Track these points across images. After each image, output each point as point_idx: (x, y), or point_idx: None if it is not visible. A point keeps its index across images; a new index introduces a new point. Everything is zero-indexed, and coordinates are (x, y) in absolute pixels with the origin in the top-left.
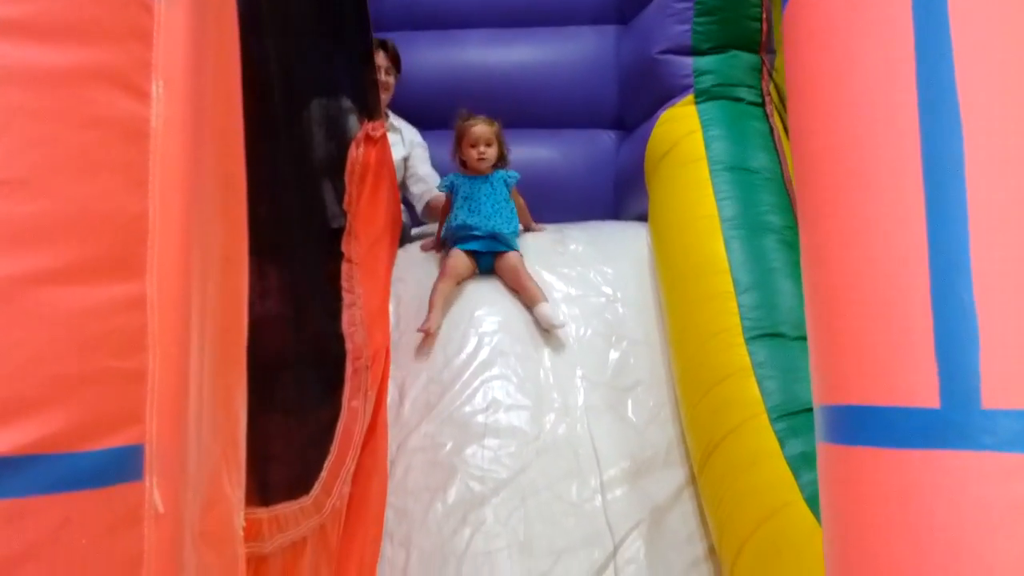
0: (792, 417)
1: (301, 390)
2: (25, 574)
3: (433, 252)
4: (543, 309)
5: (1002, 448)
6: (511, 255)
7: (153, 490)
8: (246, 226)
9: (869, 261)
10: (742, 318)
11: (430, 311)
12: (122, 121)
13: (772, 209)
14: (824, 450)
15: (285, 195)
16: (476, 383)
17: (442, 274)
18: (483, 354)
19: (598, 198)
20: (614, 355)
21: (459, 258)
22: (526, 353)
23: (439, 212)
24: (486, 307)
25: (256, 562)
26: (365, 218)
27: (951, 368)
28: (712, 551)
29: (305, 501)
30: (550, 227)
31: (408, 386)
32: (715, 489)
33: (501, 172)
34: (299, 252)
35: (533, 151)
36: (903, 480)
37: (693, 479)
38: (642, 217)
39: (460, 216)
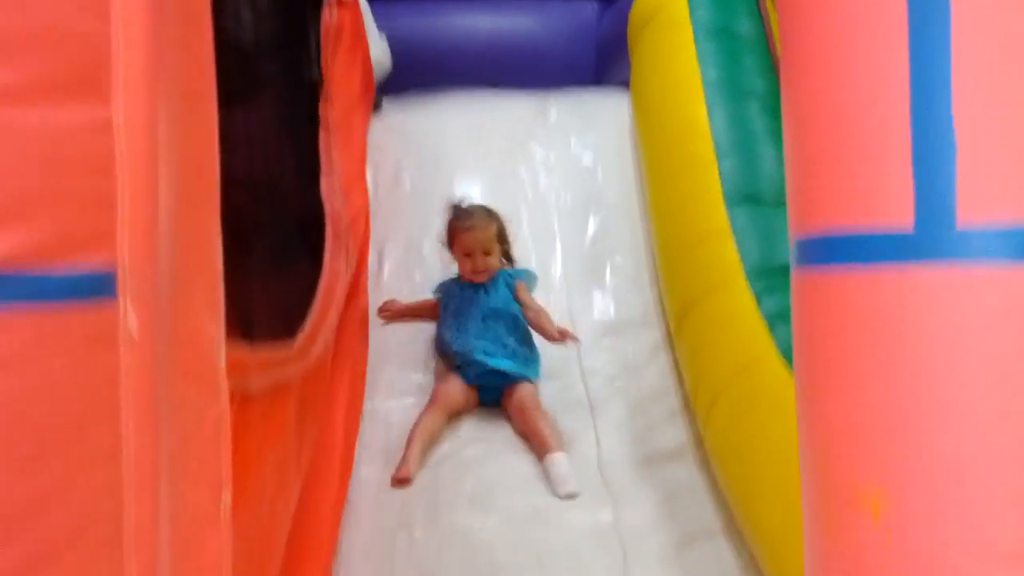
0: (768, 276)
1: (283, 242)
2: (3, 385)
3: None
4: (556, 466)
5: (976, 259)
6: (521, 388)
7: (127, 312)
8: (212, 61)
9: (847, 76)
10: (723, 182)
11: (407, 450)
12: None
13: (755, 74)
14: (797, 276)
15: (256, 50)
16: None
17: (430, 404)
18: None
19: (580, 66)
20: (593, 222)
21: (454, 387)
22: (505, 221)
23: None
24: (465, 176)
25: (240, 400)
26: (341, 83)
27: (927, 184)
28: (687, 404)
29: (289, 346)
30: (533, 94)
31: (387, 253)
32: (691, 345)
33: (504, 272)
34: (276, 109)
35: (513, 20)
36: (874, 299)
37: (670, 338)
38: (624, 84)
39: (447, 336)
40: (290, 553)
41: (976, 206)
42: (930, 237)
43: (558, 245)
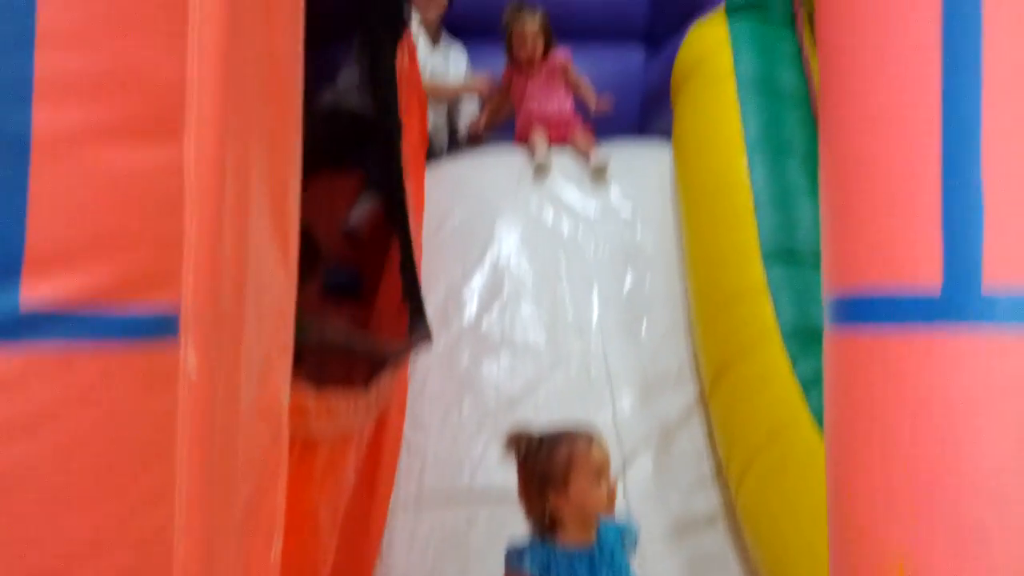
0: (804, 338)
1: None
2: (65, 422)
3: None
4: None
5: (1001, 327)
6: None
7: (188, 352)
8: (298, 114)
9: (883, 143)
10: (760, 237)
11: None
12: None
13: (797, 130)
14: (830, 334)
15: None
16: (493, 298)
17: None
18: (501, 270)
19: (624, 114)
20: (631, 274)
21: None
22: (544, 270)
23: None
24: (506, 223)
25: (303, 446)
26: (408, 123)
27: (955, 246)
28: (720, 470)
29: (360, 397)
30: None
31: (426, 298)
32: (725, 408)
33: (612, 529)
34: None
35: None
36: (904, 359)
37: (703, 398)
38: (667, 134)
39: None
40: None
41: (1002, 271)
42: (957, 300)
43: (595, 294)
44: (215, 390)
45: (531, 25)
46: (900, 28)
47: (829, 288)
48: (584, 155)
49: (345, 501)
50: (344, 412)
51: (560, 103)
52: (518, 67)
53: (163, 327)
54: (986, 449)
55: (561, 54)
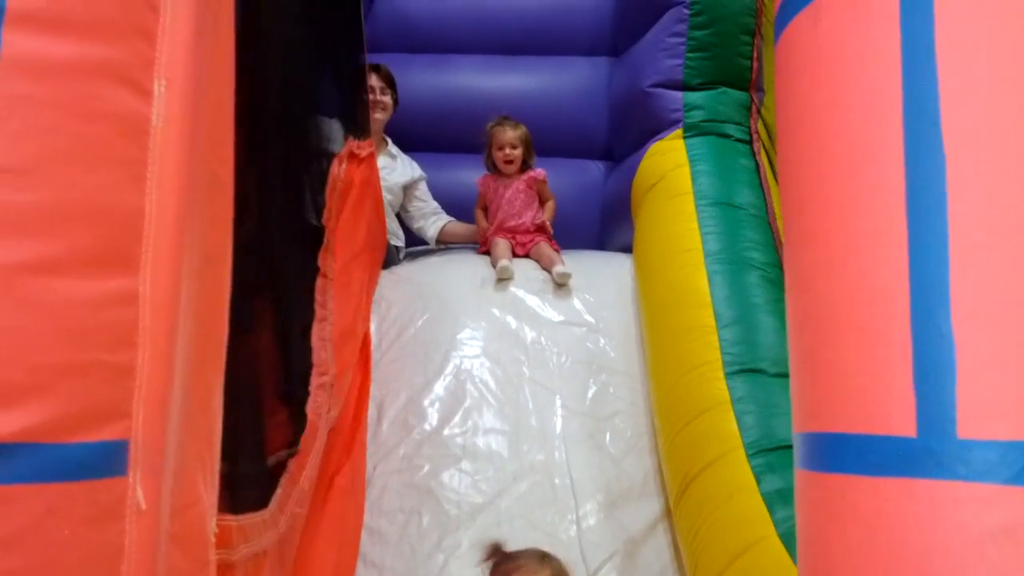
0: (769, 453)
1: (269, 399)
2: (7, 561)
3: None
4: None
5: (976, 478)
6: None
7: (136, 486)
8: (231, 228)
9: (851, 290)
10: (723, 352)
11: None
12: (124, 117)
13: (756, 246)
14: (801, 477)
15: (266, 203)
16: (455, 406)
17: None
18: (463, 377)
19: (584, 227)
20: (594, 384)
21: None
22: (506, 378)
23: (456, 236)
24: (468, 330)
25: (223, 570)
26: (344, 235)
27: (928, 397)
28: None
29: (265, 514)
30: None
31: (387, 406)
32: (690, 522)
33: None
34: (276, 259)
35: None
36: (878, 507)
37: (668, 512)
38: (627, 248)
39: None
40: None
41: (975, 422)
42: (931, 450)
43: (558, 403)
44: (160, 521)
45: (512, 134)
46: (862, 173)
47: (799, 427)
48: (547, 267)
49: None
50: (255, 531)
51: (532, 216)
52: (495, 176)
53: (111, 459)
54: None
55: (539, 171)
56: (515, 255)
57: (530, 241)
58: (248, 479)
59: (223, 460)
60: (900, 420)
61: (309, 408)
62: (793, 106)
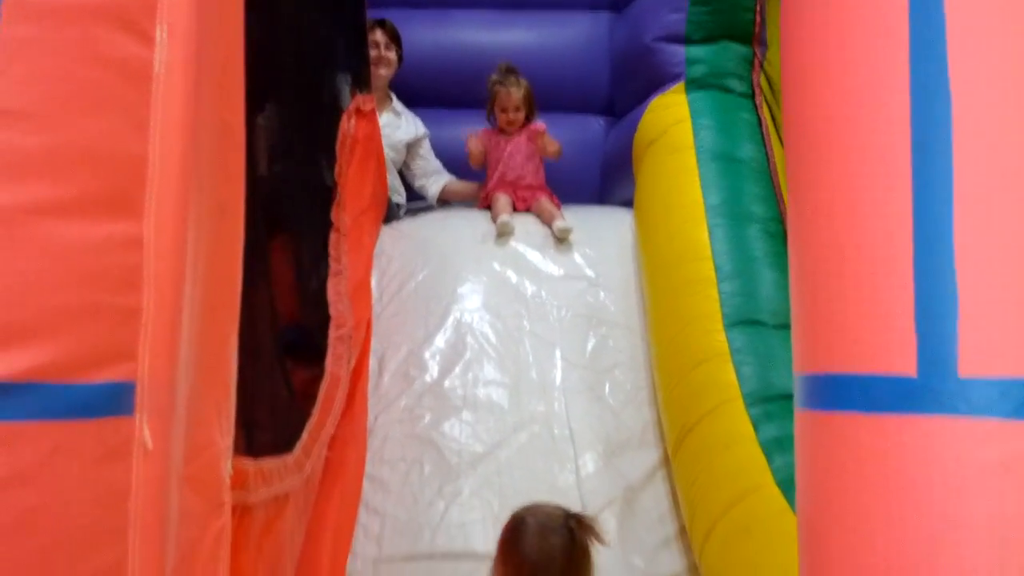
0: (767, 403)
1: (287, 350)
2: (16, 497)
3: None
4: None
5: (976, 413)
6: None
7: (143, 426)
8: (243, 177)
9: (854, 231)
10: (722, 305)
11: None
12: (126, 62)
13: (756, 199)
14: (802, 417)
15: (280, 156)
16: (455, 358)
17: None
18: (463, 330)
19: (585, 183)
20: (593, 337)
21: None
22: (507, 331)
23: (458, 195)
24: (469, 284)
25: (241, 511)
26: (353, 190)
27: (929, 337)
28: (683, 531)
29: (288, 458)
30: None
31: (388, 358)
32: (688, 470)
33: None
34: (291, 214)
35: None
36: (879, 444)
37: (667, 460)
38: (627, 203)
39: None
40: None
41: (976, 360)
42: (931, 388)
43: (558, 355)
44: (169, 462)
45: (516, 97)
46: (869, 117)
47: (800, 369)
48: (548, 221)
49: (290, 562)
50: (276, 475)
51: (534, 169)
52: (498, 130)
53: (117, 400)
54: (962, 537)
55: (539, 124)
56: (515, 210)
57: (531, 196)
58: (268, 425)
59: (242, 406)
60: (901, 359)
61: (329, 360)
62: (798, 50)
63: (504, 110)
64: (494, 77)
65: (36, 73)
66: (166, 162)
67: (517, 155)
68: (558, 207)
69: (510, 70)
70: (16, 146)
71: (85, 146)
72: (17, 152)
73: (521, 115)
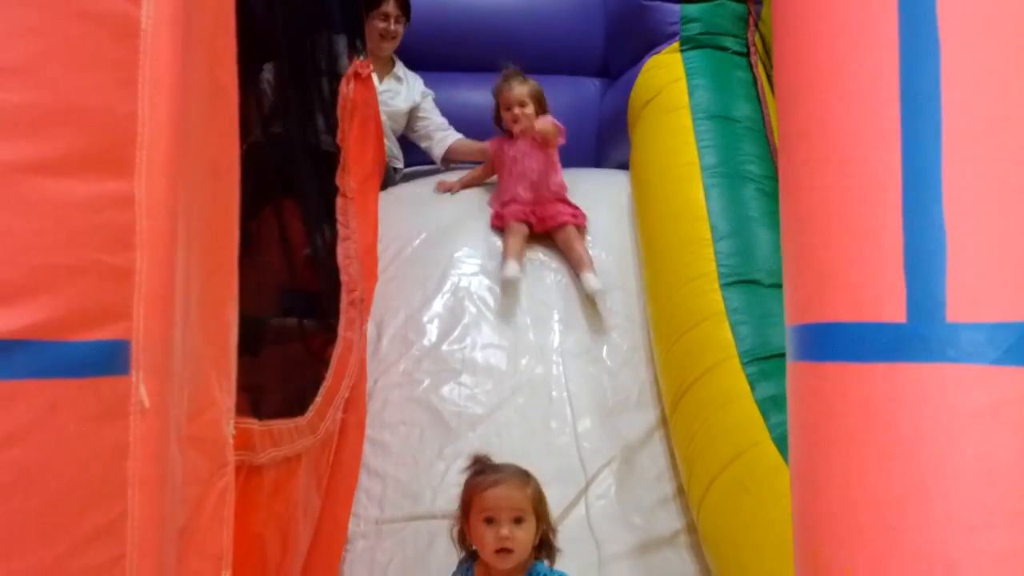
0: (763, 361)
1: (299, 314)
2: (13, 455)
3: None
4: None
5: (964, 359)
6: None
7: (139, 384)
8: (237, 137)
9: (844, 180)
10: (718, 264)
11: None
12: (113, 17)
13: (752, 158)
14: (793, 369)
15: (281, 120)
16: (453, 322)
17: None
18: (461, 295)
19: (580, 145)
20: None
21: None
22: (504, 295)
23: (462, 154)
24: (466, 248)
25: (247, 471)
26: (355, 155)
27: (918, 284)
28: (681, 490)
29: (300, 421)
30: None
31: (386, 323)
32: (686, 428)
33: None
34: (296, 179)
35: None
36: (869, 392)
37: (664, 420)
38: (623, 166)
39: None
40: None
41: (965, 306)
42: (920, 334)
43: (555, 317)
44: (167, 420)
45: (519, 90)
46: (858, 68)
47: (791, 320)
48: (575, 267)
49: (301, 522)
50: (287, 436)
51: (545, 168)
52: (505, 137)
53: (113, 358)
54: (952, 481)
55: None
56: (532, 233)
57: (552, 218)
58: (277, 387)
59: (251, 369)
60: (890, 307)
61: (342, 324)
62: (788, 10)
63: (508, 107)
64: (497, 82)
65: (22, 28)
66: (155, 119)
67: (524, 158)
68: (583, 224)
69: (513, 72)
70: (2, 102)
71: (74, 103)
72: (4, 108)
73: (530, 111)
